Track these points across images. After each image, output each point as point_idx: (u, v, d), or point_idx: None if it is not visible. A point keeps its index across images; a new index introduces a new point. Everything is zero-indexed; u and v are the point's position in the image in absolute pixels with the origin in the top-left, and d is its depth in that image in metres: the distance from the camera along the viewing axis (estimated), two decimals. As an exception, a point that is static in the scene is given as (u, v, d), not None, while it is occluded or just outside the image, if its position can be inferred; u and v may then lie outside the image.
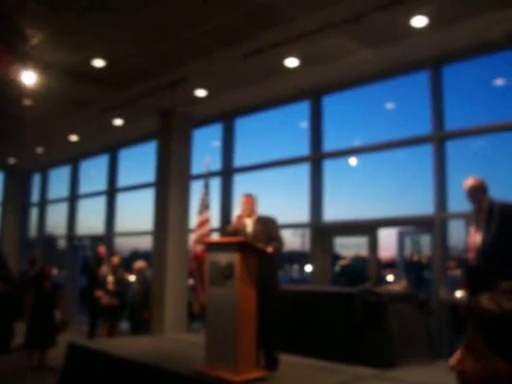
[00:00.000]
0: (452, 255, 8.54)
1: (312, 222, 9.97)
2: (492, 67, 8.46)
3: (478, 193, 5.96)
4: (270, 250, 6.03)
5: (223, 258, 5.66)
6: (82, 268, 15.92)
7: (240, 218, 6.45)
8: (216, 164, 11.73)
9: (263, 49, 8.08)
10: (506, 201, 5.96)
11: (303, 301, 7.49)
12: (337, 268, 11.76)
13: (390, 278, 10.61)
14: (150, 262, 11.33)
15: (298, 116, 10.90)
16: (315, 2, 6.88)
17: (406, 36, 7.61)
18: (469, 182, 6.02)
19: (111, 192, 15.14)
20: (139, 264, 10.70)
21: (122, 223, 14.95)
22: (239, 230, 6.35)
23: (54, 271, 15.98)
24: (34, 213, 19.20)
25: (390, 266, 10.96)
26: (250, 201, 6.52)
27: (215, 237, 10.74)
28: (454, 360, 1.20)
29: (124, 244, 16.31)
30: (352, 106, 10.29)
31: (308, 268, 10.67)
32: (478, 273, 5.75)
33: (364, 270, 9.57)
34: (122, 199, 15.03)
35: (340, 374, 5.98)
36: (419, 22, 7.10)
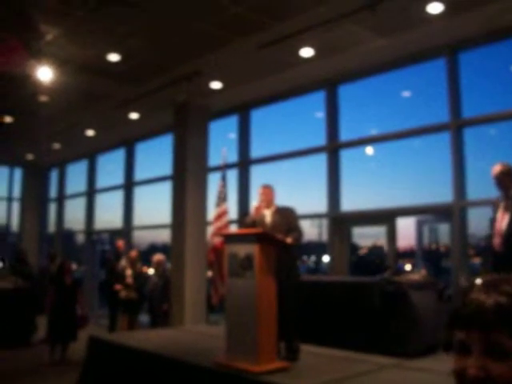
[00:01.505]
0: (471, 243, 8.49)
1: (330, 212, 9.94)
2: (509, 53, 8.37)
3: (506, 178, 5.91)
4: (289, 240, 6.01)
5: (242, 250, 5.65)
6: (101, 262, 16.02)
7: (258, 209, 6.43)
8: (233, 156, 11.75)
9: (278, 39, 8.05)
10: None
11: (323, 291, 7.48)
12: (354, 258, 11.72)
13: (408, 267, 10.57)
14: (168, 255, 11.37)
15: (314, 106, 10.87)
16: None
17: (421, 23, 7.56)
18: (497, 167, 5.95)
19: (128, 186, 15.20)
20: (158, 257, 10.74)
21: (140, 217, 15.02)
22: (257, 222, 6.34)
23: (74, 266, 16.09)
24: (52, 208, 19.34)
25: (408, 255, 10.92)
26: (268, 192, 6.50)
27: (233, 228, 10.74)
28: (473, 371, 1.06)
29: (142, 237, 16.38)
30: (368, 95, 10.23)
31: (326, 258, 10.65)
32: (503, 258, 5.71)
33: (382, 259, 9.54)
34: (139, 193, 15.09)
35: (361, 364, 5.96)
36: (435, 8, 7.04)
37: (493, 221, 6.03)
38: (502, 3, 6.99)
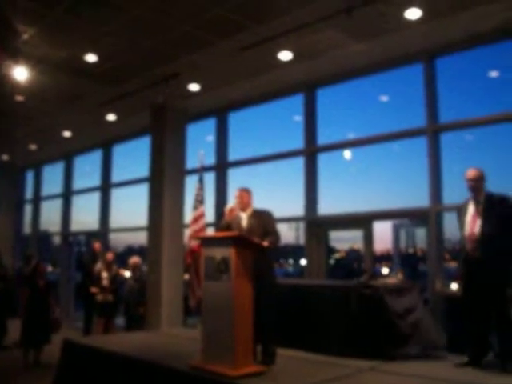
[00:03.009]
0: (447, 247, 8.55)
1: (307, 216, 9.96)
2: (485, 59, 8.45)
3: (481, 183, 5.95)
4: (265, 243, 5.99)
5: (218, 253, 5.63)
6: (77, 264, 15.89)
7: (232, 211, 6.41)
8: (210, 158, 11.73)
9: (256, 42, 8.06)
10: (501, 193, 5.96)
11: (299, 295, 7.47)
12: (332, 261, 11.74)
13: (385, 270, 10.62)
14: (145, 257, 11.31)
15: (292, 109, 10.87)
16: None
17: (399, 28, 7.61)
18: (474, 172, 5.96)
19: (105, 188, 15.10)
20: (134, 260, 10.68)
21: (117, 219, 14.94)
22: (234, 225, 6.31)
23: (49, 268, 15.96)
24: (27, 209, 19.16)
25: (385, 258, 10.97)
26: (244, 195, 6.46)
27: (210, 231, 10.72)
28: None
29: (119, 240, 16.30)
30: (346, 99, 10.26)
31: (303, 262, 10.66)
32: (479, 264, 5.74)
33: (359, 263, 9.57)
34: (116, 195, 15.00)
35: (338, 368, 5.96)
36: (413, 14, 7.08)
37: (461, 225, 6.05)
38: (478, 10, 7.06)
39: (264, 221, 6.32)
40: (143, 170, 12.44)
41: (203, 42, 8.27)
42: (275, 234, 6.27)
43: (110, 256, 10.90)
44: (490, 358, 5.92)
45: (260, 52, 8.41)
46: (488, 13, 7.14)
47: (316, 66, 9.21)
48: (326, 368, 5.99)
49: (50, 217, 18.18)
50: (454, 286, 8.06)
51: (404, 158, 9.66)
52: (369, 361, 6.16)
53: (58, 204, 17.26)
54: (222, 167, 11.76)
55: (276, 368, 5.86)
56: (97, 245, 12.20)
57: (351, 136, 10.00)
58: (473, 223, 5.89)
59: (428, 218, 8.31)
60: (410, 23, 7.36)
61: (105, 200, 15.05)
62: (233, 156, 11.74)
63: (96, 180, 15.50)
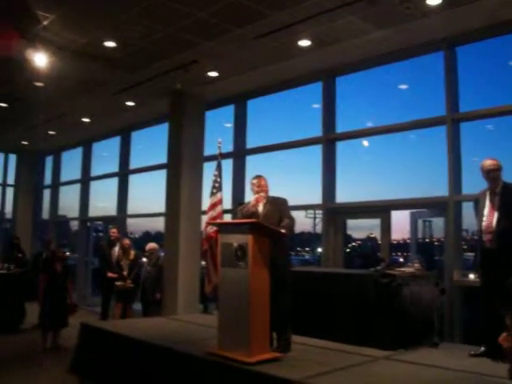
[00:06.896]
0: (465, 237, 8.50)
1: (324, 204, 9.93)
2: (507, 48, 8.34)
3: (498, 173, 5.91)
4: (283, 231, 5.98)
5: (235, 240, 5.63)
6: (95, 249, 16.00)
7: (257, 200, 6.35)
8: (228, 145, 11.72)
9: (275, 30, 8.01)
10: None
11: (316, 282, 7.47)
12: (348, 250, 11.73)
13: (401, 259, 10.59)
14: (163, 243, 11.35)
15: (310, 97, 10.83)
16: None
17: (420, 16, 7.51)
18: (489, 161, 5.94)
19: (123, 174, 15.17)
20: (151, 245, 10.73)
21: (135, 205, 15.01)
22: (254, 213, 6.27)
23: (67, 253, 16.08)
24: (46, 195, 19.30)
25: (402, 247, 10.94)
26: (265, 183, 6.45)
27: (227, 218, 10.72)
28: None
29: (136, 226, 16.38)
30: (365, 87, 10.20)
31: (320, 249, 10.65)
32: (494, 255, 5.71)
33: (376, 251, 9.54)
34: (134, 181, 15.06)
35: (352, 356, 5.96)
36: (434, 0, 6.99)
37: (479, 216, 6.01)
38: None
39: (279, 207, 6.31)
40: (161, 157, 12.47)
41: (221, 30, 8.23)
42: (290, 218, 6.25)
43: (126, 242, 10.96)
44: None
45: (279, 39, 8.37)
46: (510, 0, 7.04)
47: (335, 54, 9.14)
48: (341, 356, 5.99)
49: (69, 202, 18.33)
50: (472, 276, 8.02)
51: (423, 147, 9.60)
52: (384, 350, 6.15)
53: (76, 190, 17.37)
54: (240, 154, 11.76)
55: (292, 355, 5.87)
56: (114, 230, 12.26)
57: (370, 124, 9.95)
58: (490, 215, 5.86)
59: (447, 207, 8.25)
60: (431, 10, 7.26)
61: (123, 186, 15.12)
62: (251, 143, 11.74)
63: (114, 166, 15.58)
